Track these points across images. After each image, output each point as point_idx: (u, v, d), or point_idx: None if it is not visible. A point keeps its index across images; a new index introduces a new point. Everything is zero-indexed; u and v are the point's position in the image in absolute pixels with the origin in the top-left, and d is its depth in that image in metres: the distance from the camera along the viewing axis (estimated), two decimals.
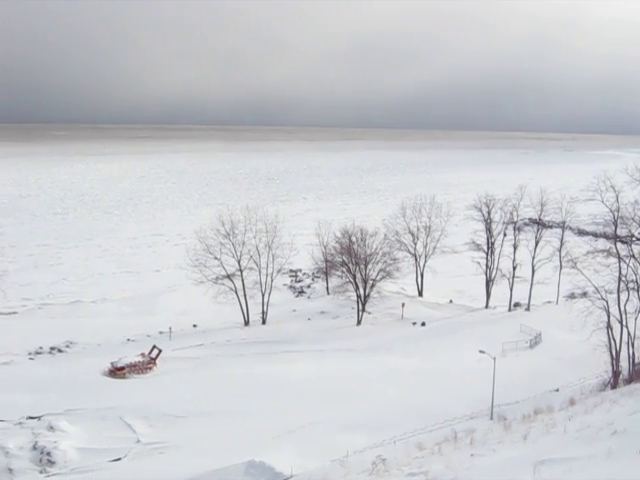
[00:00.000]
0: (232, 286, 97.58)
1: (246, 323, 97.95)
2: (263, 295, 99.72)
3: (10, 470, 52.27)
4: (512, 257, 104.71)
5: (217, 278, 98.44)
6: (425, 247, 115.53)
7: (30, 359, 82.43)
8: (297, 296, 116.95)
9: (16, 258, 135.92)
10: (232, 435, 57.85)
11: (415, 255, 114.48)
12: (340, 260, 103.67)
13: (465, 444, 50.54)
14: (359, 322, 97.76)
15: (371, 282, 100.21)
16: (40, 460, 53.86)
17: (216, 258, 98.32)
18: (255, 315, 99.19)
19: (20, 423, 59.97)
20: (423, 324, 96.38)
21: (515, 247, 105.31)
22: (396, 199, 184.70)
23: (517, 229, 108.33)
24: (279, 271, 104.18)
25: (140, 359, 77.77)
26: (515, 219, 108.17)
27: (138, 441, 57.76)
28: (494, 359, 61.38)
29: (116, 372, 75.36)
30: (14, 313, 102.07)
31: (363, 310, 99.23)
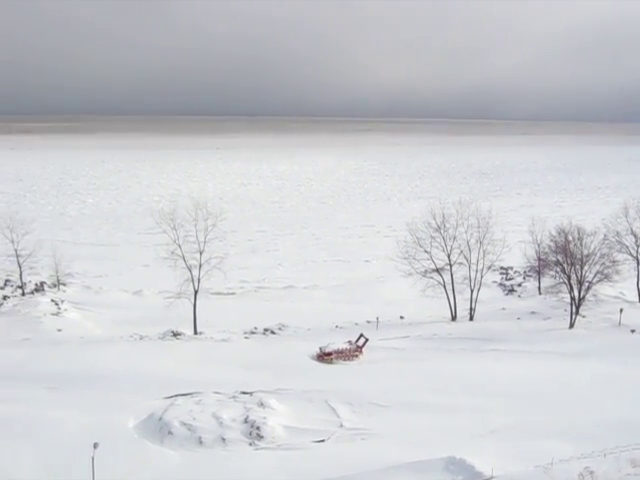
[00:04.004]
0: (441, 280, 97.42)
1: (453, 318, 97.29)
2: (472, 291, 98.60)
3: (223, 440, 55.95)
4: None
5: (426, 271, 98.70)
6: None
7: (245, 338, 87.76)
8: (507, 294, 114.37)
9: (237, 242, 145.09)
10: (433, 429, 57.73)
11: (637, 258, 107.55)
12: (554, 259, 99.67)
13: None
14: (572, 325, 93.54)
15: (587, 284, 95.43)
16: (250, 433, 57.02)
17: (426, 251, 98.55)
18: (462, 311, 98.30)
19: (234, 397, 63.81)
20: None
21: None
22: (618, 198, 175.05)
23: None
24: (489, 267, 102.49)
25: (347, 346, 79.71)
26: None
27: (341, 425, 59.28)
28: None
29: (324, 357, 77.86)
30: (233, 294, 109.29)
31: (577, 313, 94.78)
